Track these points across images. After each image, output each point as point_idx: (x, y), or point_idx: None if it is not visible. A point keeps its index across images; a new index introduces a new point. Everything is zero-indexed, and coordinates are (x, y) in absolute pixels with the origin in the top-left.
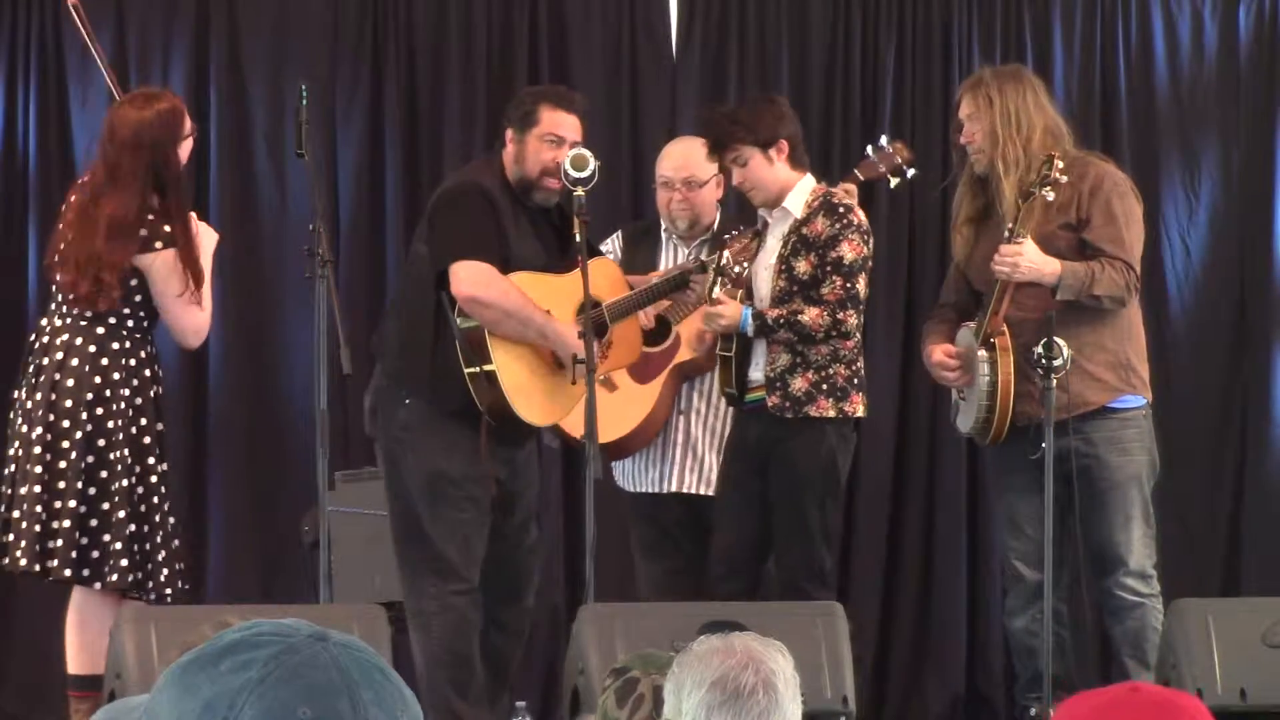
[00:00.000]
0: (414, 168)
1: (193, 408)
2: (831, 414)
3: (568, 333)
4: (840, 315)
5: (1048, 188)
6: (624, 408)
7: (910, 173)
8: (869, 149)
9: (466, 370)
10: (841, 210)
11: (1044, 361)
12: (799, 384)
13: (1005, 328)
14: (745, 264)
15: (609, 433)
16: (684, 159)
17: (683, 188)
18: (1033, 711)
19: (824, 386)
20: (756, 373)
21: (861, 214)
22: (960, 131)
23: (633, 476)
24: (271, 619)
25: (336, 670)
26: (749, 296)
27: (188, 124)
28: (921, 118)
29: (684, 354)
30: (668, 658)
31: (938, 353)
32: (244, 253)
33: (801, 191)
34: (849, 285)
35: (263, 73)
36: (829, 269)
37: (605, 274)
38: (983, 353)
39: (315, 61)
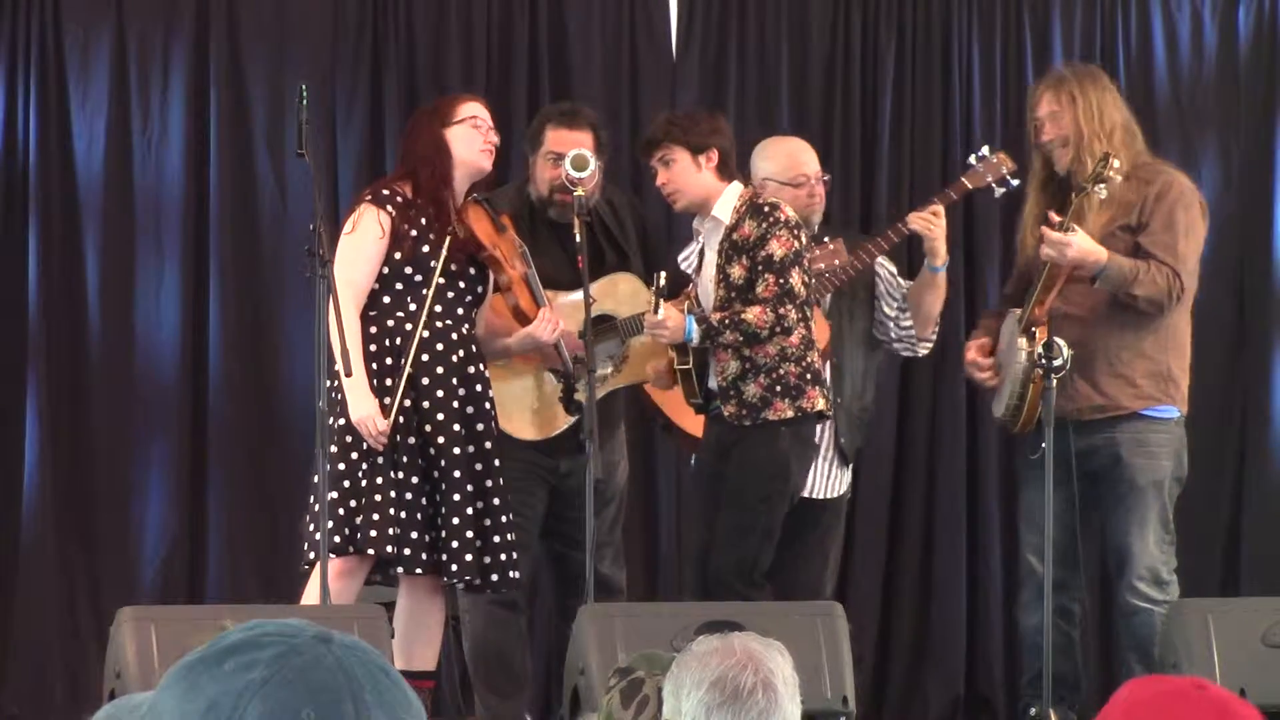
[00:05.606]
0: None
1: (193, 408)
2: (790, 414)
3: (536, 329)
4: (781, 310)
5: (1101, 185)
6: None
7: (1014, 183)
8: (973, 158)
9: None
10: (767, 209)
11: (1044, 362)
12: (752, 390)
13: (1048, 319)
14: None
15: None
16: (809, 151)
17: (816, 183)
18: (1032, 710)
19: (777, 389)
20: (713, 383)
21: (790, 210)
22: (1041, 131)
23: None
24: (273, 620)
25: (340, 672)
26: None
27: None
28: (921, 118)
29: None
30: (671, 658)
31: (971, 350)
32: (244, 253)
33: (730, 198)
34: (782, 280)
35: (263, 73)
36: (760, 268)
37: (630, 290)
38: (1022, 341)
39: (315, 61)
